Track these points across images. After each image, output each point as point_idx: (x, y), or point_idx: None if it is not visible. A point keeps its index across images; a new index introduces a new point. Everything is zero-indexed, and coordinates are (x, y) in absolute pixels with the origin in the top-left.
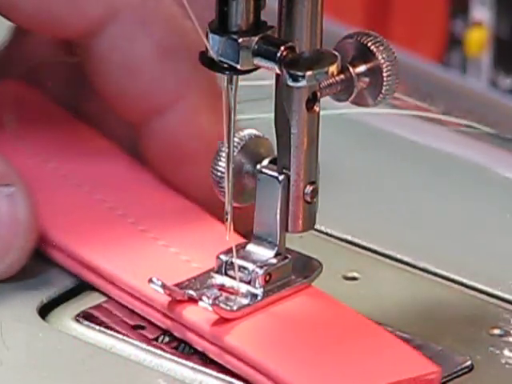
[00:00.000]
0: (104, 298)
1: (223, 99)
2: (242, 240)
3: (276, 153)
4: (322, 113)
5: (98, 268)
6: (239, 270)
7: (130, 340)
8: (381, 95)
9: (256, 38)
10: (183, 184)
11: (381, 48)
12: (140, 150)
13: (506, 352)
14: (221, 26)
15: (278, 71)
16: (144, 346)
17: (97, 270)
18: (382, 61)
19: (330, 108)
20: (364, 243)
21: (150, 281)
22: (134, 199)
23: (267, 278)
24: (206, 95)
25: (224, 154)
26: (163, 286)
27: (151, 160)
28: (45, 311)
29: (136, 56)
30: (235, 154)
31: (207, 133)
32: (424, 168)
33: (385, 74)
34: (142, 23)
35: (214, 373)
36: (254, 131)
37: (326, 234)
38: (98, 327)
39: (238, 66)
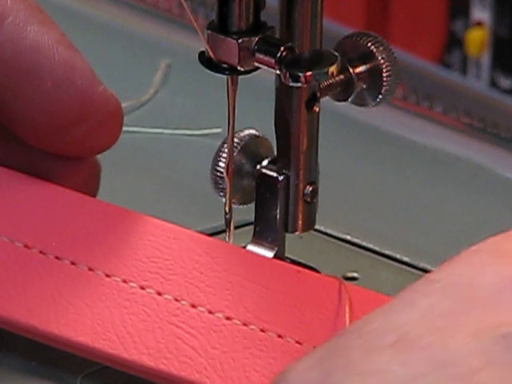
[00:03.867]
0: None
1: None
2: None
3: (276, 153)
4: (321, 113)
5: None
6: None
7: None
8: (380, 96)
9: (256, 39)
10: (26, 104)
11: (380, 48)
12: None
13: None
14: (220, 26)
15: (278, 71)
16: None
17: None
18: (382, 61)
19: (329, 108)
20: (364, 243)
21: None
22: (52, 230)
23: None
24: (30, 9)
25: (224, 155)
26: None
27: None
28: None
29: None
30: (235, 154)
31: (40, 43)
32: (424, 168)
33: (384, 75)
34: None
35: None
36: (253, 131)
37: (326, 234)
38: None
39: (238, 67)
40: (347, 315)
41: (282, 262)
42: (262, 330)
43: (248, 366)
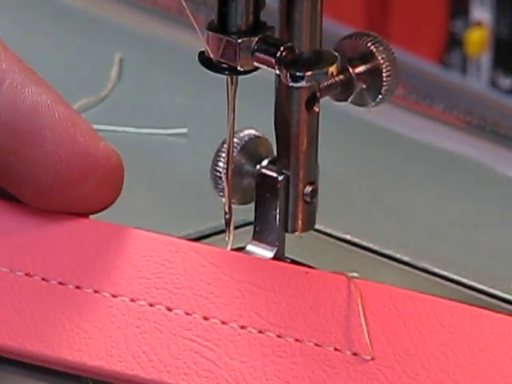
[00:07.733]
0: None
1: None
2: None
3: (275, 153)
4: (321, 112)
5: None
6: None
7: None
8: (380, 96)
9: (255, 39)
10: (30, 165)
11: (380, 48)
12: None
13: None
14: (220, 26)
15: (278, 71)
16: None
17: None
18: (382, 61)
19: (329, 107)
20: (363, 243)
21: None
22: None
23: None
24: (25, 71)
25: (223, 155)
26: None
27: None
28: None
29: None
30: (235, 154)
31: (39, 103)
32: (424, 167)
33: (384, 75)
34: None
35: None
36: (253, 131)
37: (326, 234)
38: None
39: (238, 67)
40: (361, 311)
41: (288, 264)
42: (279, 336)
43: (269, 374)
